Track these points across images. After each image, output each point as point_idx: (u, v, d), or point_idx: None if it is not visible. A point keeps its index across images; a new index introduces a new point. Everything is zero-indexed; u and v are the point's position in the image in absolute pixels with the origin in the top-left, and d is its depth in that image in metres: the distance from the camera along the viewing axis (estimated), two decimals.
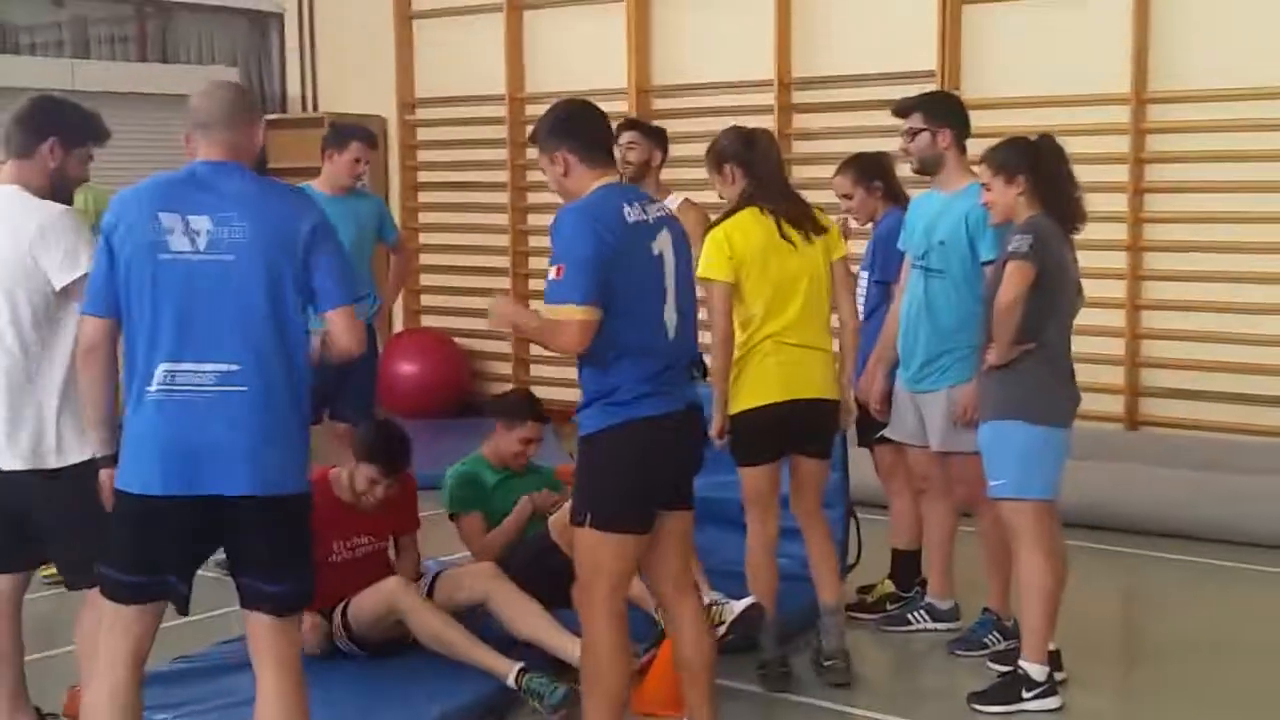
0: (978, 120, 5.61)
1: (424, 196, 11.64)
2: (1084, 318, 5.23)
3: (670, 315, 4.11)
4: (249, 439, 3.52)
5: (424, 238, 11.56)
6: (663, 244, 4.11)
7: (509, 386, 11.11)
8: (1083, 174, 5.09)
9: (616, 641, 4.10)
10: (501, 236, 11.08)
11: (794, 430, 5.11)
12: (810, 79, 9.60)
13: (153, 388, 3.53)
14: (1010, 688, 4.99)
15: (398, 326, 11.35)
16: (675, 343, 4.13)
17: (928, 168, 5.55)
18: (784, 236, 5.05)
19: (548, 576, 5.17)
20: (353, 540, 5.22)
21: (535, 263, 10.83)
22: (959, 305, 5.35)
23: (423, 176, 11.63)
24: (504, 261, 11.07)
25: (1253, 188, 8.22)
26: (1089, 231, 5.14)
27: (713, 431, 4.97)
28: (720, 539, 5.85)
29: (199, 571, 3.73)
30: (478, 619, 5.15)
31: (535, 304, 4.08)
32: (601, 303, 3.95)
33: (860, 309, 5.68)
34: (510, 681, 4.80)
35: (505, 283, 10.94)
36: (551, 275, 3.98)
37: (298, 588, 3.68)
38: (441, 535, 6.05)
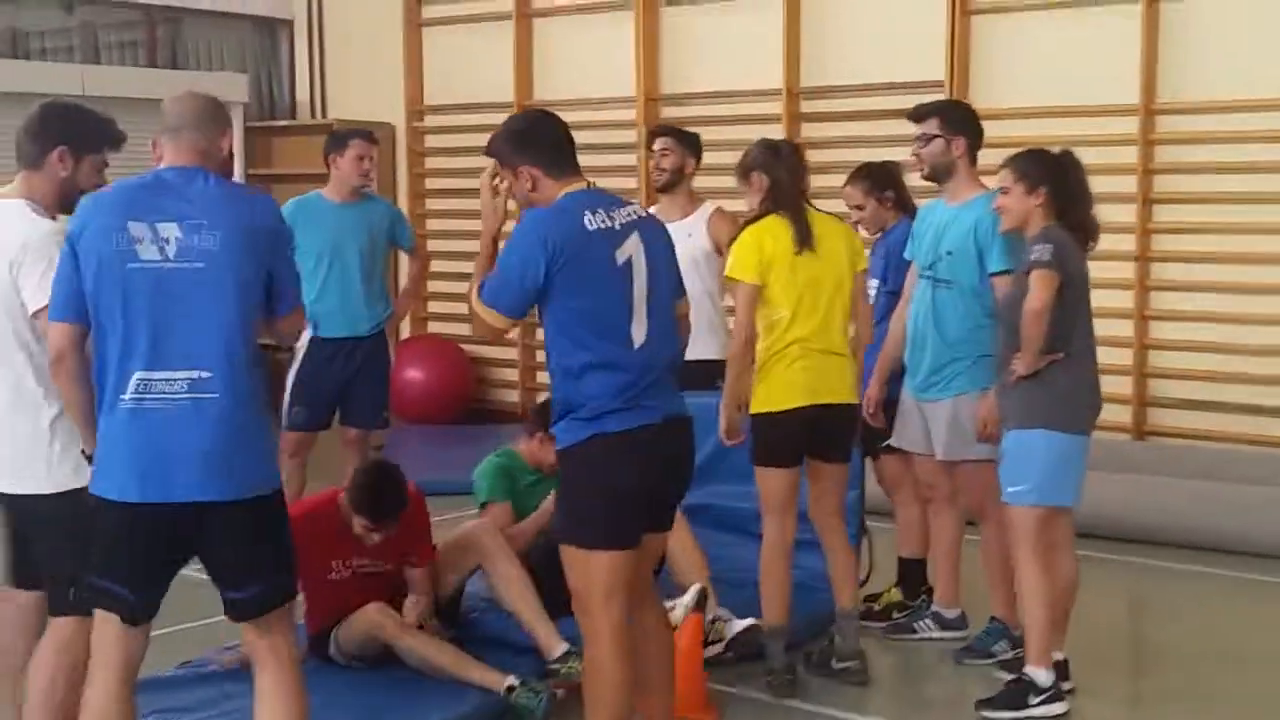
0: (986, 130, 5.61)
1: (432, 203, 11.63)
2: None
3: (637, 327, 3.96)
4: (221, 445, 3.52)
5: (432, 244, 11.51)
6: (631, 249, 3.98)
7: (515, 394, 11.12)
8: (1091, 184, 5.11)
9: (619, 667, 4.00)
10: None
11: (817, 434, 5.13)
12: (818, 88, 9.59)
13: (127, 396, 3.52)
14: (1017, 694, 5.00)
15: (405, 333, 11.34)
16: (644, 353, 3.96)
17: (938, 175, 5.54)
18: (805, 244, 5.07)
19: (563, 574, 5.17)
20: (352, 561, 5.12)
21: None
22: (966, 315, 5.36)
23: (430, 183, 11.63)
24: None
25: (1262, 199, 8.20)
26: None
27: (720, 431, 4.96)
28: (730, 547, 5.84)
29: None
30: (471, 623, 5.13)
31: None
32: (519, 318, 3.99)
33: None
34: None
35: None
36: (492, 271, 3.99)
37: (267, 589, 3.66)
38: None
